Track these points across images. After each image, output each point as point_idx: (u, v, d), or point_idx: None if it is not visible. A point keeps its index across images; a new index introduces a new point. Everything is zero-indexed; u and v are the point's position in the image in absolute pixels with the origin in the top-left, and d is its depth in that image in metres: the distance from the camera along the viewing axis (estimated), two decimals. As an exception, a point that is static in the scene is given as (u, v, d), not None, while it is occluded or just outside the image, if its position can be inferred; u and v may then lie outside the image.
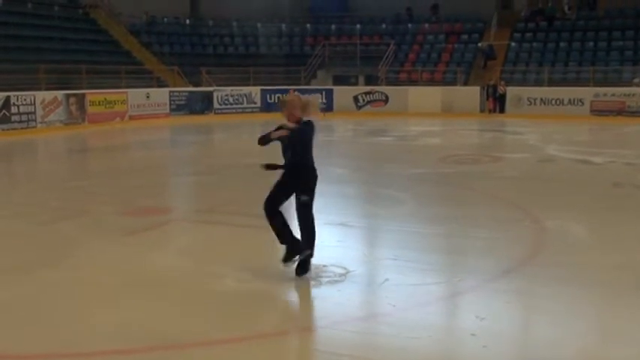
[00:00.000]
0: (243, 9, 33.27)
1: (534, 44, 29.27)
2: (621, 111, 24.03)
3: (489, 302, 5.37)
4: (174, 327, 4.87)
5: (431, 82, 28.15)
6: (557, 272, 6.07)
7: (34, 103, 19.94)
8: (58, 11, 28.04)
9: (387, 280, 5.81)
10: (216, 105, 26.46)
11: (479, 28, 30.83)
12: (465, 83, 27.86)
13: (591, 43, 28.52)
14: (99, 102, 22.43)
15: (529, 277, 6.02)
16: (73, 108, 21.49)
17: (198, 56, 30.48)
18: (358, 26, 32.07)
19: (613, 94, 24.23)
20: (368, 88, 27.85)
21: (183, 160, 15.01)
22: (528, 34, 29.82)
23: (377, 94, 27.25)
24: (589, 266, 6.26)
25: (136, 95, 23.92)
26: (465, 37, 30.56)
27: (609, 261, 6.42)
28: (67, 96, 21.37)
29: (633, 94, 24.09)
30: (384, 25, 32.60)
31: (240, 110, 26.91)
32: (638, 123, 22.52)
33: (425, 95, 26.67)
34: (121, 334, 4.74)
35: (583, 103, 24.57)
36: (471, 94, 26.54)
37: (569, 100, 24.79)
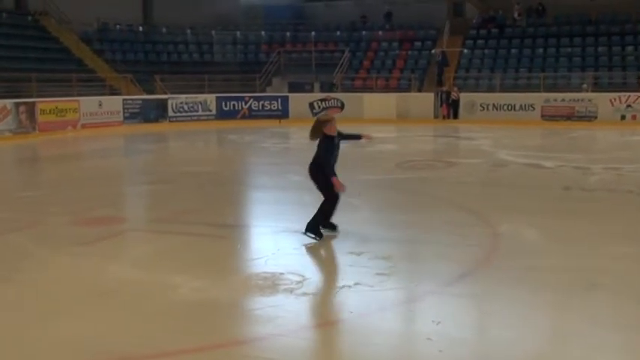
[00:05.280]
0: (197, 16, 33.05)
1: (486, 51, 29.81)
2: (570, 116, 24.62)
3: (445, 306, 5.43)
4: (127, 339, 4.79)
5: (386, 88, 28.40)
6: (510, 275, 6.17)
7: (-18, 112, 19.47)
8: (6, 18, 27.43)
9: (343, 286, 5.82)
10: (170, 113, 26.21)
11: (432, 35, 31.25)
12: (419, 90, 28.19)
13: (541, 50, 29.18)
14: (50, 110, 21.99)
15: (484, 281, 6.11)
16: (23, 117, 21.04)
17: (151, 64, 30.16)
18: (313, 33, 32.17)
19: (563, 100, 24.81)
20: (323, 95, 27.94)
21: (138, 169, 14.82)
22: (480, 41, 30.35)
23: (332, 100, 27.36)
24: (541, 269, 6.38)
25: (88, 103, 23.53)
26: (418, 44, 30.95)
27: (560, 264, 6.55)
28: (17, 104, 20.91)
29: (582, 100, 24.71)
30: (338, 33, 32.78)
31: (196, 118, 26.71)
32: (586, 127, 23.11)
33: (380, 102, 26.89)
34: (74, 348, 4.64)
35: (534, 109, 25.09)
36: (425, 101, 26.85)
37: (521, 105, 25.29)
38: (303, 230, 7.43)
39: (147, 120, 25.45)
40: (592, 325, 5.00)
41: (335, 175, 7.20)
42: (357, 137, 7.99)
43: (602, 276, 6.15)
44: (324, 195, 7.41)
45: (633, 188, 11.04)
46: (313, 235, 7.38)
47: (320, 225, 7.46)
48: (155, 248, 7.44)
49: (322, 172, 7.24)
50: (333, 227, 7.60)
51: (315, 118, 7.79)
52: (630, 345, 4.70)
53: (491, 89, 27.05)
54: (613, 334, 4.84)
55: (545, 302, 5.53)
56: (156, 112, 25.92)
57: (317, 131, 7.38)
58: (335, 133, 7.34)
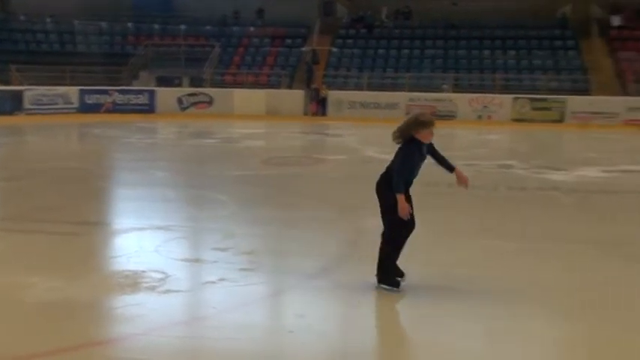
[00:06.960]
0: (59, 5, 31.50)
1: (355, 50, 30.53)
2: (432, 114, 25.70)
3: (308, 300, 5.49)
4: (-27, 344, 4.48)
5: (256, 84, 28.41)
6: (373, 268, 6.32)
7: None
8: None
9: (207, 282, 5.75)
10: (27, 105, 24.82)
11: (302, 34, 31.60)
12: (289, 86, 28.41)
13: (406, 51, 30.29)
14: None
15: (347, 274, 6.22)
16: None
17: (8, 53, 28.46)
18: (182, 27, 31.62)
19: (426, 99, 25.88)
20: (192, 90, 27.53)
21: (-10, 164, 13.91)
22: (349, 41, 31.05)
23: (201, 95, 27.01)
24: (403, 261, 6.58)
25: None
26: (289, 41, 31.19)
27: (420, 257, 6.79)
28: None
29: (443, 100, 25.88)
30: (209, 27, 32.40)
31: (56, 111, 25.46)
32: (446, 126, 24.18)
33: (250, 98, 26.86)
34: None
35: (399, 107, 25.99)
36: (295, 98, 27.11)
37: (387, 104, 26.12)
38: (377, 283, 5.73)
39: (1, 112, 23.95)
40: (448, 313, 5.22)
41: (404, 193, 5.79)
42: (451, 168, 6.21)
43: (460, 267, 6.45)
44: (386, 222, 5.86)
45: (488, 183, 11.69)
46: (389, 287, 5.65)
47: (393, 267, 5.76)
48: (7, 247, 7.00)
49: (392, 188, 5.78)
50: (399, 274, 5.78)
51: (412, 115, 5.98)
52: (490, 334, 4.94)
53: (358, 88, 27.73)
54: (473, 325, 5.03)
55: (405, 292, 5.71)
56: (11, 104, 24.46)
57: (405, 132, 5.80)
58: (427, 142, 5.82)
